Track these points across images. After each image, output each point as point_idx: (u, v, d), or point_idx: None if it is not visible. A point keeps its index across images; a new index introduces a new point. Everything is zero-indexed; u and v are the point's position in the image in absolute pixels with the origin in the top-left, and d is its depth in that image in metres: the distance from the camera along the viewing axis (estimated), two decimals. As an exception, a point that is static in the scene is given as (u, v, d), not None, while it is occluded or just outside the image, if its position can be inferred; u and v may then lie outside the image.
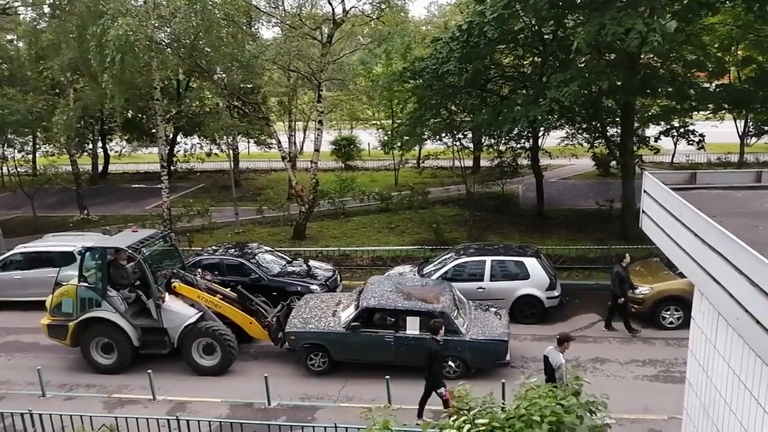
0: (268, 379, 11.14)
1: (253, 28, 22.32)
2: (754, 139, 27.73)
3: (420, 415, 10.34)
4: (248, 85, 24.80)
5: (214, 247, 17.37)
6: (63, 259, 16.05)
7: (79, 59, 18.26)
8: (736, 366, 5.72)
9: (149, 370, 11.52)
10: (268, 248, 17.31)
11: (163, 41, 19.11)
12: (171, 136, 29.79)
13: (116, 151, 35.27)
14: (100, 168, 34.31)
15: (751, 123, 26.47)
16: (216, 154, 31.79)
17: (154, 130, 23.53)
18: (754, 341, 4.82)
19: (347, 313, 12.54)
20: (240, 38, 19.11)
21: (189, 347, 12.58)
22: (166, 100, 24.76)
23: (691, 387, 7.15)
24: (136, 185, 32.34)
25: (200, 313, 12.76)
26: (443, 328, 10.54)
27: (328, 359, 12.41)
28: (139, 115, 30.37)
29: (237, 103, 23.08)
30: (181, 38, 18.50)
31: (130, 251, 12.69)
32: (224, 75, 20.94)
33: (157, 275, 12.99)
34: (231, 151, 27.68)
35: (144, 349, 12.80)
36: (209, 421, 9.84)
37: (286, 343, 12.62)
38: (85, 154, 32.39)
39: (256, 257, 16.01)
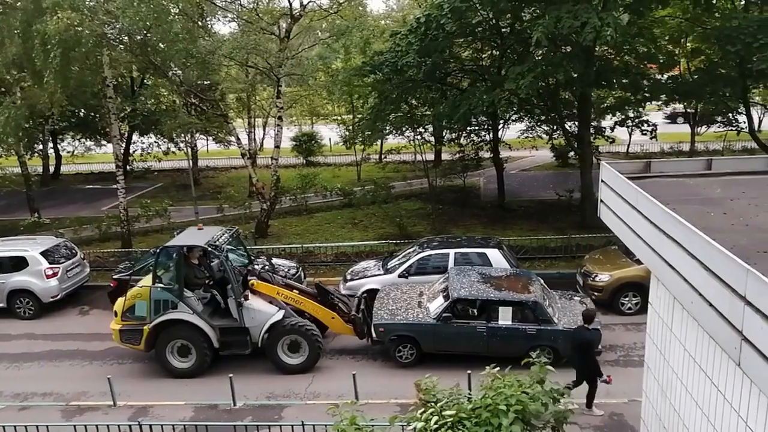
0: (233, 380, 10.98)
1: (208, 23, 21.85)
2: (703, 128, 28.66)
3: (589, 406, 10.39)
4: (205, 82, 24.33)
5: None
6: (12, 264, 15.51)
7: (23, 56, 17.53)
8: (692, 348, 5.89)
9: (109, 376, 11.21)
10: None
11: (114, 37, 18.51)
12: (126, 134, 28.97)
13: (68, 152, 34.10)
14: (52, 169, 33.15)
15: (700, 112, 27.34)
16: (174, 152, 31.09)
17: (107, 129, 22.80)
18: (707, 324, 4.97)
19: (437, 304, 12.34)
20: (194, 33, 18.67)
21: (274, 346, 12.18)
22: (120, 98, 24.02)
23: (649, 370, 7.35)
24: (91, 186, 31.38)
25: (283, 310, 12.36)
26: (594, 316, 10.46)
27: (416, 351, 12.25)
28: (92, 114, 29.41)
29: (194, 101, 22.57)
30: (131, 34, 17.97)
31: (209, 248, 12.16)
32: (180, 71, 20.44)
33: (234, 273, 12.53)
34: (189, 150, 27.11)
35: (224, 350, 12.35)
36: (173, 425, 9.64)
37: (373, 336, 12.41)
38: (36, 155, 31.24)
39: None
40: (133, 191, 27.43)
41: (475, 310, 11.99)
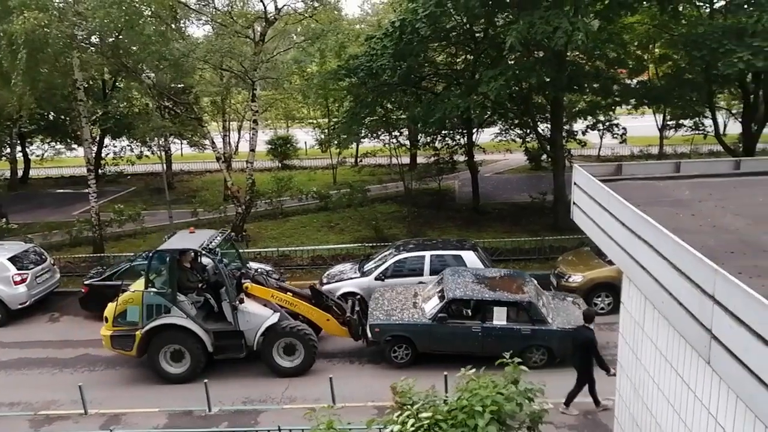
0: (208, 385, 10.84)
1: (182, 26, 21.62)
2: (671, 132, 29.31)
3: (597, 403, 10.46)
4: (179, 85, 24.04)
5: (147, 252, 16.71)
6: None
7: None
8: (663, 347, 6.00)
9: (80, 383, 10.98)
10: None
11: (84, 38, 18.18)
12: (98, 138, 28.46)
13: (38, 155, 33.36)
14: (21, 173, 32.37)
15: (668, 117, 27.97)
16: (147, 156, 30.64)
17: (78, 133, 22.37)
18: (678, 323, 5.07)
19: (432, 305, 12.35)
20: (167, 36, 18.44)
21: (269, 349, 12.09)
22: (91, 100, 23.60)
23: (622, 369, 7.47)
24: (61, 190, 30.71)
25: (278, 313, 12.25)
26: (594, 316, 10.52)
27: (411, 351, 12.24)
28: (62, 117, 28.83)
29: (168, 104, 22.30)
30: (102, 36, 17.67)
31: (204, 252, 12.00)
32: (152, 74, 20.17)
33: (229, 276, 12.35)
34: (163, 153, 26.74)
35: (219, 354, 12.18)
36: (146, 433, 9.49)
37: (368, 337, 12.38)
38: (3, 158, 30.49)
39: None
40: (106, 195, 26.97)
41: (469, 311, 12.08)
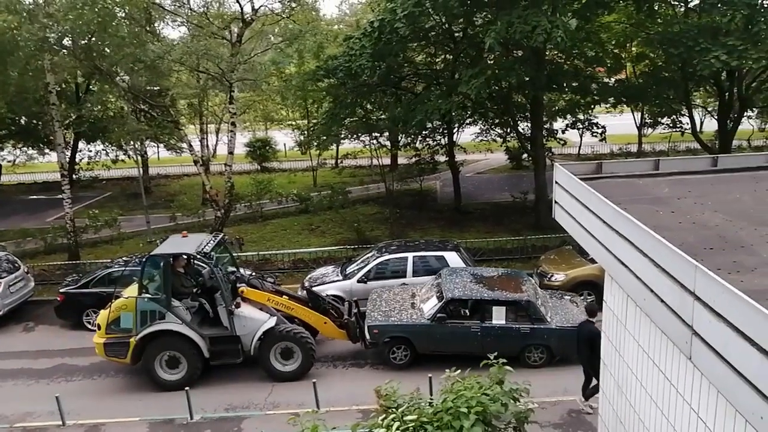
0: (189, 392, 10.67)
1: (156, 27, 21.32)
2: (650, 130, 29.70)
3: (586, 398, 10.41)
4: (155, 88, 23.71)
5: (125, 259, 16.45)
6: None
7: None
8: (645, 344, 6.02)
9: (57, 394, 10.72)
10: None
11: (56, 41, 17.81)
12: (71, 142, 27.94)
13: (9, 161, 32.65)
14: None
15: (647, 115, 28.34)
16: (123, 160, 30.17)
17: (51, 137, 21.93)
18: (659, 320, 5.08)
19: (430, 305, 12.24)
20: (142, 38, 18.16)
21: (267, 353, 11.92)
22: (64, 104, 23.17)
23: (605, 366, 7.49)
24: (34, 196, 30.12)
25: (275, 317, 12.07)
26: (597, 310, 10.31)
27: (410, 352, 12.14)
28: (34, 121, 28.24)
29: (143, 107, 21.96)
30: (75, 38, 17.33)
31: (199, 256, 11.77)
32: (127, 77, 19.85)
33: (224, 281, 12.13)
34: (139, 157, 26.34)
35: (215, 360, 11.96)
36: (126, 443, 9.29)
37: (367, 339, 12.26)
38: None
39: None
40: (80, 201, 26.48)
41: (468, 310, 12.03)
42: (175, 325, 11.74)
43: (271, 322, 12.02)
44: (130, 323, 11.73)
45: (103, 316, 11.98)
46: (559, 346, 11.83)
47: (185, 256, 12.39)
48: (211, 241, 12.40)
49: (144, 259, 12.21)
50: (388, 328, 12.14)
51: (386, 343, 12.20)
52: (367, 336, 12.30)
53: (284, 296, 12.73)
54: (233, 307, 11.87)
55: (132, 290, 12.09)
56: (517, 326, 11.81)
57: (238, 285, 12.38)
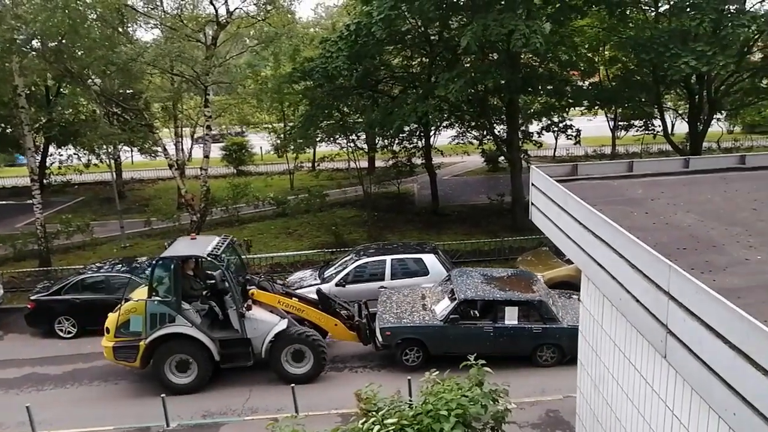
0: (165, 399, 10.49)
1: (129, 30, 20.99)
2: (623, 132, 30.20)
3: None
4: (128, 91, 23.34)
5: (98, 264, 16.14)
6: None
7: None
8: (621, 343, 6.10)
9: (27, 404, 10.44)
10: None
11: (25, 42, 17.42)
12: (42, 146, 27.33)
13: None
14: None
15: (619, 117, 28.83)
16: (96, 164, 29.62)
17: (21, 141, 21.42)
18: (635, 319, 5.15)
19: (443, 306, 12.20)
20: (114, 40, 17.87)
21: (278, 356, 11.77)
22: (34, 107, 22.66)
23: (582, 366, 7.57)
24: (3, 202, 29.37)
25: (286, 320, 11.91)
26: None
27: (422, 354, 12.08)
28: (2, 125, 27.57)
29: (116, 110, 21.60)
30: (44, 40, 16.97)
31: (209, 259, 11.59)
32: (99, 80, 19.50)
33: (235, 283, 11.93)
34: (113, 161, 25.89)
35: (226, 363, 11.77)
36: (100, 453, 9.09)
37: (378, 340, 12.16)
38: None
39: (147, 272, 15.08)
40: (52, 206, 25.96)
41: (479, 311, 12.05)
42: (186, 328, 11.61)
43: (283, 324, 11.94)
44: (139, 326, 11.58)
45: (112, 319, 11.80)
46: (571, 345, 11.85)
47: (194, 259, 12.24)
48: (222, 244, 12.27)
49: (154, 262, 12.05)
50: (400, 329, 12.11)
51: (398, 345, 12.17)
52: (379, 338, 12.26)
53: (294, 298, 12.65)
54: (244, 309, 11.77)
55: (141, 293, 11.94)
56: (530, 326, 11.88)
57: (248, 287, 12.28)
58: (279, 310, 12.26)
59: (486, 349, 11.71)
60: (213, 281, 12.80)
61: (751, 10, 17.01)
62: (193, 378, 11.79)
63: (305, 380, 11.87)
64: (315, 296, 12.90)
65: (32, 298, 14.72)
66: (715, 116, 22.33)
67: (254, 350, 11.88)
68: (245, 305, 11.84)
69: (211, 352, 11.72)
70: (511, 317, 11.93)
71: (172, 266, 11.74)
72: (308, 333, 11.97)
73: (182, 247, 12.32)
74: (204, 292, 12.34)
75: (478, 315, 12.08)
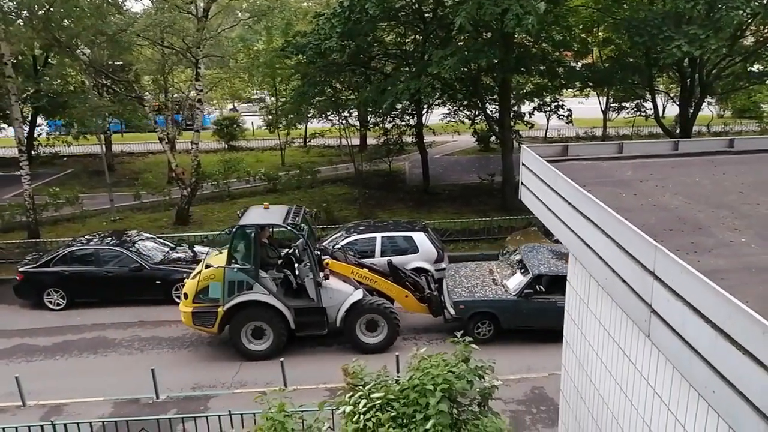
0: (155, 372, 10.57)
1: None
2: (614, 114, 30.24)
3: None
4: (117, 62, 23.00)
5: (87, 237, 16.09)
6: None
7: None
8: (606, 322, 6.21)
9: (16, 375, 10.49)
10: (149, 235, 16.36)
11: (11, 10, 17.05)
12: (30, 117, 26.95)
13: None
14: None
15: (611, 99, 28.84)
16: (86, 137, 29.27)
17: (8, 112, 21.09)
18: (620, 299, 5.24)
19: (516, 281, 12.41)
20: (103, 10, 17.54)
21: (353, 325, 11.99)
22: (21, 77, 22.28)
23: (568, 345, 7.70)
24: (-9, 172, 29.07)
25: (361, 290, 12.04)
26: None
27: (493, 327, 12.34)
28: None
29: (106, 82, 21.30)
30: (32, 7, 16.63)
31: (290, 228, 11.69)
32: (88, 50, 19.18)
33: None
34: (102, 134, 25.60)
35: (301, 331, 11.93)
36: (90, 423, 9.19)
37: (449, 313, 12.32)
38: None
39: (136, 245, 15.07)
40: (40, 178, 25.70)
41: (545, 287, 12.19)
42: (263, 295, 11.74)
43: (358, 294, 12.11)
44: (218, 293, 11.73)
45: (190, 285, 11.95)
46: None
47: (269, 228, 12.32)
48: (296, 213, 12.34)
49: (233, 230, 12.10)
50: (474, 303, 12.32)
51: (471, 318, 12.34)
52: (451, 311, 12.42)
53: (365, 269, 12.75)
54: (322, 278, 11.88)
55: (220, 260, 12.02)
56: None
57: (322, 257, 12.38)
58: (352, 280, 12.42)
59: (556, 324, 11.99)
60: (287, 249, 12.90)
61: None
62: (268, 345, 11.99)
63: (378, 350, 12.04)
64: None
65: (21, 269, 14.68)
66: (705, 100, 22.40)
67: (329, 319, 12.07)
68: (323, 275, 11.97)
69: (286, 321, 11.88)
70: None
71: (252, 234, 11.84)
72: (383, 303, 12.15)
73: (258, 215, 12.38)
74: (278, 261, 12.45)
75: (546, 290, 12.26)
